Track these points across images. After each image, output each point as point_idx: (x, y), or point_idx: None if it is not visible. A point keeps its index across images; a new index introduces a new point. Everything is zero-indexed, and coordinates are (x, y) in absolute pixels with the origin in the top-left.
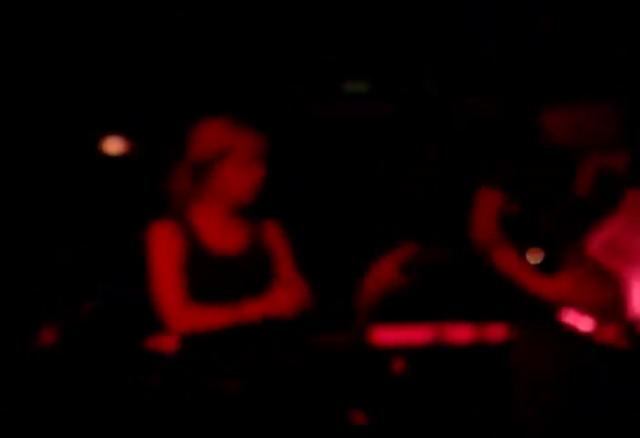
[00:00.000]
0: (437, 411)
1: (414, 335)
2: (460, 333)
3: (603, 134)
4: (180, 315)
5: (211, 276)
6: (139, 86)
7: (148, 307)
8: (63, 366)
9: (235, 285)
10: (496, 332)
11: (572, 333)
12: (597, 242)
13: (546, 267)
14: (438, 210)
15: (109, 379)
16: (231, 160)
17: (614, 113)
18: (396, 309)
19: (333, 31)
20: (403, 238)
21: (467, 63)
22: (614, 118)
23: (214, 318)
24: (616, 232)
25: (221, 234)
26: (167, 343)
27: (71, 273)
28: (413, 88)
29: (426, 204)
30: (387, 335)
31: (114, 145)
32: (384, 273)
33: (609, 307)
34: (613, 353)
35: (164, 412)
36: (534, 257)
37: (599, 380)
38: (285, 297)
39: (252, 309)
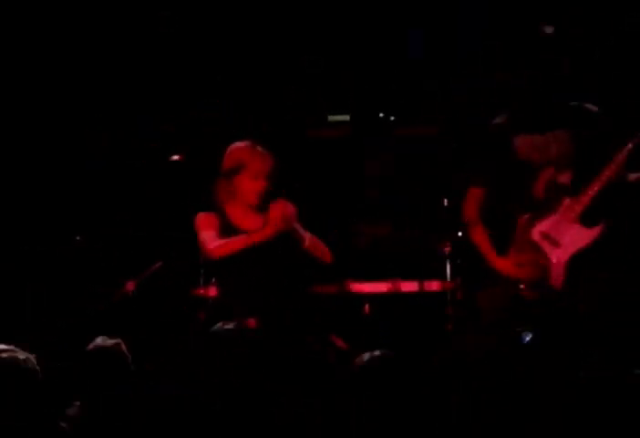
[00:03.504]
0: (395, 338)
1: (379, 287)
2: (410, 286)
3: (554, 155)
4: (214, 247)
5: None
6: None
7: (197, 266)
8: (139, 307)
9: (258, 250)
10: (433, 285)
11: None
12: (538, 231)
13: (502, 243)
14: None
15: (171, 315)
16: (245, 174)
17: (567, 139)
18: (367, 271)
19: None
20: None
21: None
22: (566, 143)
23: (233, 243)
24: (551, 226)
25: (245, 218)
26: (209, 291)
27: (140, 245)
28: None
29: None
30: (360, 287)
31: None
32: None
33: (539, 278)
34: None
35: (204, 341)
36: None
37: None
38: (276, 210)
39: (259, 234)
